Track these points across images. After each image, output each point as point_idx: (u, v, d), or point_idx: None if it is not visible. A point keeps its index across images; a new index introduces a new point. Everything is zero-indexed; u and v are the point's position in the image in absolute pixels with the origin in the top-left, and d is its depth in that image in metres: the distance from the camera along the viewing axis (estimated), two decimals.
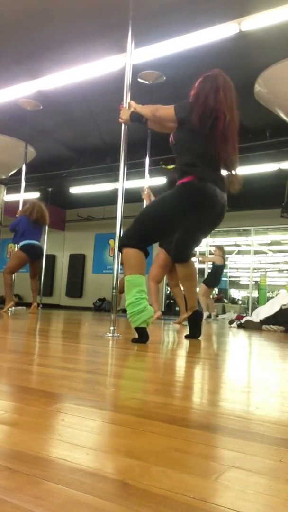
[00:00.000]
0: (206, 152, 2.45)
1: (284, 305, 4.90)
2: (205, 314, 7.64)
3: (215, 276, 8.39)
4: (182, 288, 6.05)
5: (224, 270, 14.98)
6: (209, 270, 9.06)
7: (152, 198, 4.81)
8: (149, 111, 2.73)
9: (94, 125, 8.06)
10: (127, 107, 3.04)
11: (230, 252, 14.32)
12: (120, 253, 2.53)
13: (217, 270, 8.35)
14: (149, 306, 2.42)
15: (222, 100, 2.47)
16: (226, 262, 8.88)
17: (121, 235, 2.52)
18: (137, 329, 2.41)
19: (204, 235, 2.86)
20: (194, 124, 2.43)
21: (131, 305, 2.39)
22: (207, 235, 2.84)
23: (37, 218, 5.59)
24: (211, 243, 11.87)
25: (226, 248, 9.34)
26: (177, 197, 2.48)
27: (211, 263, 8.68)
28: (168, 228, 2.57)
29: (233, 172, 2.59)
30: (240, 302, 14.80)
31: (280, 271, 15.56)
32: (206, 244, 11.76)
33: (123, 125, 3.10)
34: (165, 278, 6.33)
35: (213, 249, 9.03)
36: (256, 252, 13.25)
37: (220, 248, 8.51)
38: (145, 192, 4.90)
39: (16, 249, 5.90)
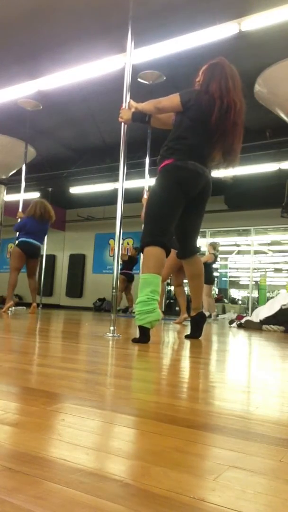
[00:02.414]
0: (197, 142, 2.52)
1: (284, 305, 4.90)
2: (205, 313, 7.67)
3: (208, 272, 8.51)
4: (185, 288, 6.10)
5: (224, 270, 15.03)
6: None
7: None
8: (152, 105, 2.73)
9: (94, 125, 8.06)
10: (127, 107, 3.04)
11: (230, 252, 14.32)
12: (141, 253, 2.54)
13: (207, 267, 8.50)
14: (158, 310, 2.42)
15: (231, 88, 2.50)
16: (218, 259, 9.14)
17: (141, 238, 2.55)
18: (140, 328, 2.40)
19: (199, 217, 2.81)
20: (205, 118, 2.47)
21: (141, 303, 2.40)
22: (201, 218, 2.82)
23: (41, 214, 5.59)
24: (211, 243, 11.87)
25: (226, 248, 9.40)
26: (163, 180, 2.54)
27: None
28: (176, 212, 2.56)
29: (232, 163, 2.65)
30: (240, 302, 14.81)
31: (280, 271, 15.56)
32: (206, 244, 11.76)
33: (123, 125, 3.09)
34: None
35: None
36: (256, 252, 13.25)
37: (211, 244, 8.71)
38: (145, 196, 4.93)
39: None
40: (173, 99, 2.58)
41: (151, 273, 2.42)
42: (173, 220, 2.56)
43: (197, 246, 2.89)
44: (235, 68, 2.62)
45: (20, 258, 5.59)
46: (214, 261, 8.74)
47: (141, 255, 2.55)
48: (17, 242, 5.64)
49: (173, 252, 5.27)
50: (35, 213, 5.59)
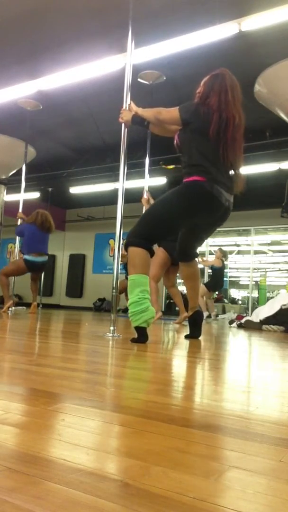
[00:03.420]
0: (214, 153, 2.45)
1: (284, 305, 4.90)
2: (205, 314, 7.64)
3: (215, 279, 8.41)
4: (180, 288, 6.10)
5: (224, 270, 15.01)
6: (209, 271, 9.08)
7: (152, 202, 4.81)
8: (151, 114, 2.70)
9: (94, 125, 8.06)
10: (127, 108, 3.03)
11: (230, 252, 14.31)
12: (126, 252, 2.53)
13: (217, 273, 8.37)
14: (151, 307, 2.42)
15: (230, 102, 2.47)
16: (226, 263, 8.94)
17: (127, 234, 2.53)
18: (137, 328, 2.41)
19: (207, 234, 2.86)
20: (205, 130, 2.43)
21: (133, 304, 2.39)
22: (209, 235, 2.86)
23: (42, 222, 5.62)
24: (211, 243, 11.87)
25: (226, 248, 9.39)
26: (182, 196, 2.49)
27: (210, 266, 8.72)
28: (173, 227, 2.57)
29: (237, 172, 2.61)
30: (240, 302, 14.80)
31: (280, 271, 15.56)
32: (206, 244, 11.77)
33: (123, 125, 3.09)
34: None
35: (213, 249, 9.03)
36: (256, 252, 13.24)
37: (220, 249, 8.58)
38: (145, 196, 4.92)
39: (19, 257, 5.94)
40: (173, 113, 2.54)
41: (138, 273, 2.42)
42: (169, 233, 2.57)
43: (197, 252, 2.91)
44: (236, 79, 2.57)
45: (21, 271, 5.62)
46: (223, 266, 8.50)
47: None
48: (25, 258, 5.63)
49: (161, 250, 5.25)
50: (36, 220, 5.63)
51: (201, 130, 2.47)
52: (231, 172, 2.60)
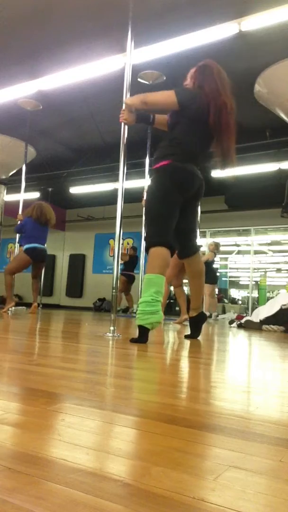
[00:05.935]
0: (194, 143, 2.54)
1: (284, 305, 4.90)
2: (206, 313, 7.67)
3: (210, 272, 8.52)
4: (184, 289, 6.08)
5: (224, 270, 15.04)
6: None
7: None
8: (138, 100, 2.66)
9: (94, 125, 8.06)
10: (123, 108, 3.00)
11: (230, 252, 14.32)
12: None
13: (209, 266, 8.53)
14: (161, 312, 2.42)
15: (220, 90, 2.55)
16: (225, 263, 9.15)
17: (145, 240, 2.55)
18: (140, 328, 2.40)
19: (194, 217, 2.79)
20: (199, 117, 2.50)
21: (145, 303, 2.39)
22: (196, 217, 2.82)
23: (38, 217, 5.59)
24: (210, 242, 11.88)
25: (226, 248, 9.45)
26: (161, 179, 2.53)
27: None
28: (175, 212, 2.55)
29: (229, 163, 2.67)
30: (240, 302, 14.79)
31: (280, 271, 15.55)
32: (206, 244, 11.76)
33: (123, 125, 3.09)
34: None
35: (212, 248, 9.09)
36: (256, 252, 13.24)
37: (216, 244, 8.77)
38: (145, 198, 4.92)
39: (18, 251, 5.92)
40: (169, 95, 2.54)
41: (155, 273, 2.41)
42: (174, 219, 2.54)
43: (197, 244, 2.87)
44: (223, 69, 2.68)
45: (24, 264, 5.57)
46: (213, 259, 8.80)
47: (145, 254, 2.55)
48: (25, 248, 5.61)
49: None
50: (32, 215, 5.61)
51: (194, 116, 2.51)
52: (220, 160, 2.65)
